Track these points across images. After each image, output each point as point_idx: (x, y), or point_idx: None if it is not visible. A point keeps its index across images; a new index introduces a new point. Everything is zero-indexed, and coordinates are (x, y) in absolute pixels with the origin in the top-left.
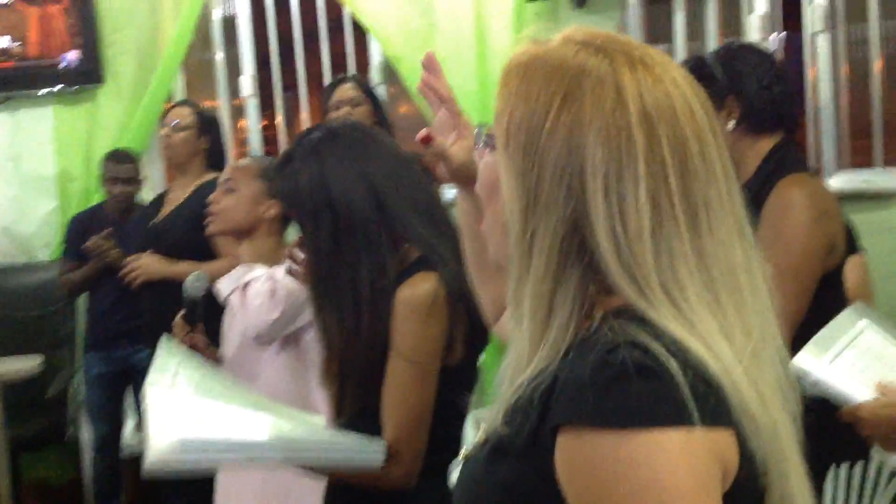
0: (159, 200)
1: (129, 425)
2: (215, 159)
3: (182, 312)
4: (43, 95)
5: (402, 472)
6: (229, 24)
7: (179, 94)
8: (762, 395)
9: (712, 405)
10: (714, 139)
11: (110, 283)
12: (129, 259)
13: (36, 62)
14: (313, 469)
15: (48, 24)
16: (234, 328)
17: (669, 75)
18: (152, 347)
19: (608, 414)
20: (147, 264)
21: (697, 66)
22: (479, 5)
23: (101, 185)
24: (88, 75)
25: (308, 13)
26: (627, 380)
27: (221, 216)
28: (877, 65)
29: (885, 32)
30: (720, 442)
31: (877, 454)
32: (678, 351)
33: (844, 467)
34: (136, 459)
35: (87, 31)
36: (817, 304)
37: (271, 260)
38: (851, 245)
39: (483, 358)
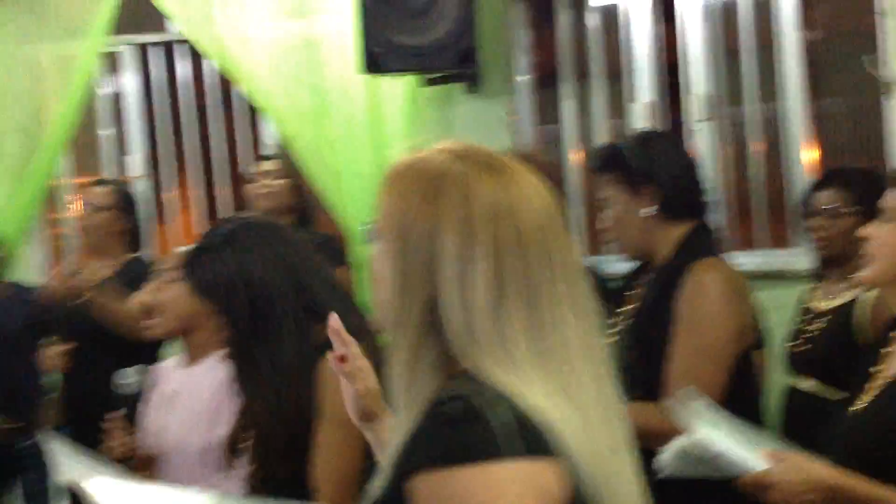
0: (75, 279)
1: None
2: (136, 240)
3: (120, 412)
4: None
5: None
6: (117, 100)
7: (66, 173)
8: (593, 445)
9: (532, 439)
10: (555, 236)
11: None
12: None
13: None
14: None
15: None
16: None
17: (516, 180)
18: (75, 438)
19: (438, 457)
20: None
21: (612, 154)
22: (372, 88)
23: None
24: None
25: (198, 90)
26: (450, 425)
27: (169, 314)
28: (756, 146)
29: (764, 115)
30: (543, 470)
31: None
32: (499, 401)
33: None
34: None
35: None
36: (733, 384)
37: (214, 350)
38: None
39: None
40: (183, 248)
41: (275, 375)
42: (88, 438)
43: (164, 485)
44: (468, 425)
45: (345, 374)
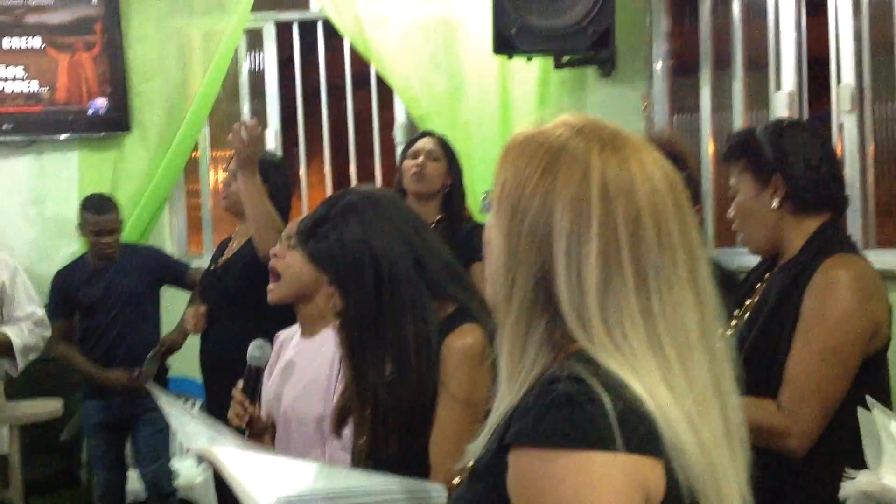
0: (223, 247)
1: (135, 472)
2: (279, 205)
3: (241, 383)
4: (69, 140)
5: None
6: (256, 77)
7: (205, 145)
8: (700, 437)
9: (640, 434)
10: (677, 215)
11: (104, 331)
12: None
13: (63, 108)
14: None
15: (77, 71)
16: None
17: (637, 158)
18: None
19: (542, 435)
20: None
21: (746, 140)
22: (504, 72)
23: (81, 233)
24: (115, 123)
25: (335, 69)
26: (561, 406)
27: (288, 277)
28: None
29: None
30: (644, 468)
31: None
32: (615, 386)
33: None
34: None
35: (115, 80)
36: (858, 388)
37: (328, 322)
38: None
39: None
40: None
41: (397, 351)
42: (219, 399)
43: (274, 454)
44: (578, 408)
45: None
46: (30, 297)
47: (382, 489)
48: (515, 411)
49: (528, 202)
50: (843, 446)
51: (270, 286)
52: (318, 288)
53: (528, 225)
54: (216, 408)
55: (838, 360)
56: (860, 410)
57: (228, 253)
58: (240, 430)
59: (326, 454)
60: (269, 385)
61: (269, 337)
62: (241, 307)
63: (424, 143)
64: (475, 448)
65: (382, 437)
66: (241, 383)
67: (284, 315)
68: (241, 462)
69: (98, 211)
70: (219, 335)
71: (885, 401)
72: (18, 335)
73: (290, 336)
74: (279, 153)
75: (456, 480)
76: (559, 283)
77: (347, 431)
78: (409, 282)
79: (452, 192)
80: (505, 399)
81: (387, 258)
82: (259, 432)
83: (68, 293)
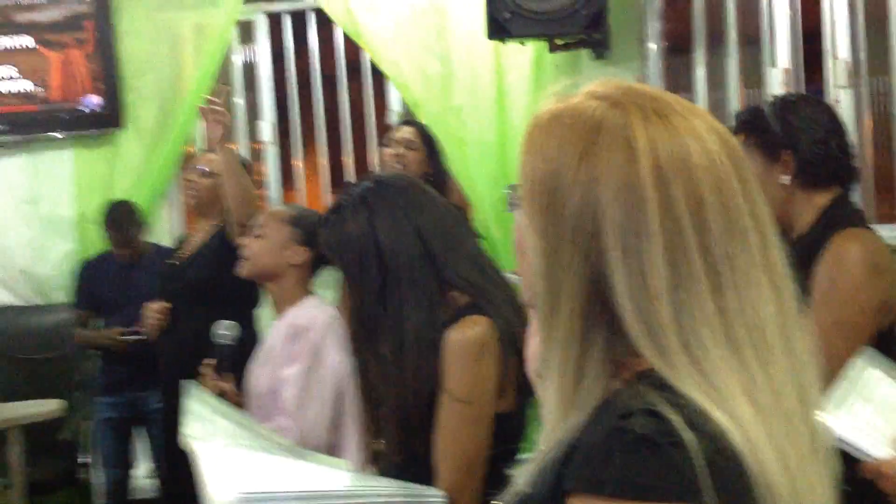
0: (180, 243)
1: (141, 469)
2: None
3: (213, 361)
4: (63, 138)
5: None
6: (249, 69)
7: (199, 138)
8: (787, 463)
9: (731, 482)
10: (742, 189)
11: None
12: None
13: (57, 105)
14: None
15: (70, 69)
16: (263, 371)
17: (688, 125)
18: (165, 392)
19: (613, 484)
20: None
21: (753, 117)
22: (498, 55)
23: (107, 242)
24: (109, 119)
25: (327, 58)
26: (638, 450)
27: (251, 260)
28: None
29: None
30: None
31: None
32: (698, 421)
33: None
34: (146, 502)
35: (108, 77)
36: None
37: (293, 303)
38: None
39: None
40: (275, 207)
41: (395, 345)
42: (177, 394)
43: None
44: (660, 453)
45: None
46: None
47: (372, 492)
48: (578, 448)
49: (566, 195)
50: None
51: (240, 263)
52: (284, 271)
53: (571, 222)
54: (173, 400)
55: (851, 334)
56: (854, 361)
57: (189, 248)
58: None
59: (273, 426)
60: (249, 370)
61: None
62: (204, 301)
63: (402, 133)
64: (523, 476)
65: (388, 438)
66: (209, 361)
67: (246, 310)
68: (220, 459)
69: (117, 227)
70: (180, 331)
71: None
72: None
73: (272, 324)
74: (274, 145)
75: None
76: (618, 289)
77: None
78: (414, 274)
79: (434, 179)
80: (557, 424)
81: (392, 250)
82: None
83: (91, 285)
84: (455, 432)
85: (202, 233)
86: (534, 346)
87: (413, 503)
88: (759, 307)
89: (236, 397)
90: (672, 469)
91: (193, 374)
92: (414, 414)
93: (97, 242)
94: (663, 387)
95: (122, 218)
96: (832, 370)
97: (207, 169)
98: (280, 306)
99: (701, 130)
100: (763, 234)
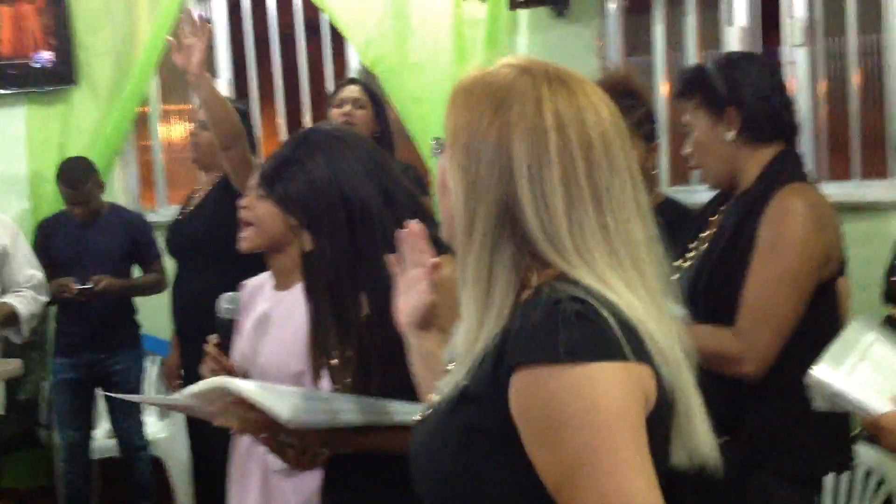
0: (188, 199)
1: (100, 429)
2: None
3: (216, 339)
4: (15, 95)
5: None
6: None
7: (154, 97)
8: (666, 335)
9: (636, 344)
10: (620, 141)
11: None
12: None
13: (7, 62)
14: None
15: (20, 24)
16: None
17: (582, 90)
18: (179, 346)
19: (557, 351)
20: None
21: (697, 76)
22: (458, 12)
23: (62, 200)
24: (62, 76)
25: (285, 16)
26: (571, 324)
27: (260, 226)
28: (854, 78)
29: (863, 47)
30: (643, 374)
31: (863, 462)
32: (605, 302)
33: (831, 476)
34: (107, 463)
35: (60, 32)
36: (813, 313)
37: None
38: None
39: None
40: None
41: (374, 289)
42: (192, 350)
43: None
44: (589, 324)
45: (431, 282)
46: (30, 261)
47: (397, 409)
48: (511, 335)
49: (484, 136)
50: (798, 371)
51: (242, 234)
52: (291, 239)
53: (487, 157)
54: (190, 358)
55: (793, 286)
56: (850, 325)
57: (194, 203)
58: None
59: None
60: (241, 338)
61: (241, 280)
62: (211, 254)
63: (350, 91)
64: (451, 379)
65: (365, 375)
66: (214, 337)
67: (256, 260)
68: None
69: (70, 184)
70: (191, 286)
71: (836, 326)
72: (24, 304)
73: (258, 286)
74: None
75: (419, 415)
76: (526, 209)
77: (325, 383)
78: (380, 217)
79: (382, 136)
80: (477, 328)
81: (357, 195)
82: None
83: (47, 245)
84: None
85: (205, 187)
86: (406, 300)
87: (407, 418)
88: (632, 228)
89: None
90: (602, 336)
91: (203, 331)
92: (398, 350)
93: (52, 201)
94: (572, 282)
95: (77, 174)
96: (775, 322)
97: (206, 121)
98: (286, 278)
99: (591, 95)
100: (633, 178)
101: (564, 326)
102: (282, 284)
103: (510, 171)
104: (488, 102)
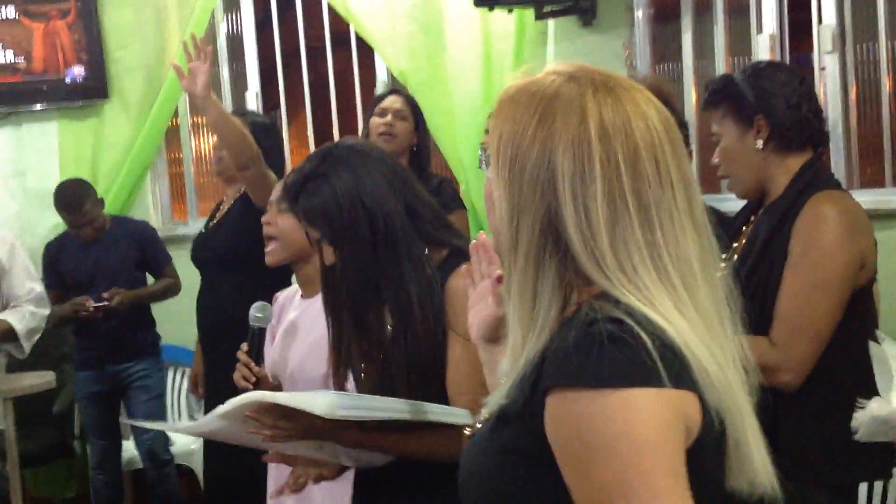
0: (214, 212)
1: (131, 440)
2: (274, 166)
3: (246, 347)
4: (47, 110)
5: None
6: (234, 39)
7: (185, 111)
8: (717, 359)
9: (677, 369)
10: (672, 151)
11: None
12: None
13: (40, 77)
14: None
15: (52, 40)
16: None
17: (630, 97)
18: (205, 362)
19: (589, 376)
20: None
21: (725, 86)
22: (486, 24)
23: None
24: (93, 91)
25: (313, 29)
26: (605, 347)
27: (283, 240)
28: (887, 84)
29: (894, 53)
30: (684, 401)
31: None
32: (646, 324)
33: (866, 485)
34: (139, 473)
35: (91, 47)
36: (848, 321)
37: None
38: None
39: None
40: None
41: (399, 304)
42: (218, 362)
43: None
44: (624, 348)
45: (496, 294)
46: (29, 274)
47: (427, 405)
48: (549, 355)
49: (527, 149)
50: (836, 378)
51: (268, 249)
52: (314, 249)
53: (530, 171)
54: (216, 371)
55: (828, 294)
56: (871, 344)
57: (218, 216)
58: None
59: None
60: (273, 347)
61: (265, 295)
62: (234, 267)
63: (392, 102)
64: (496, 397)
65: (389, 390)
66: (245, 346)
67: (279, 272)
68: (296, 393)
69: (68, 209)
70: (214, 297)
71: (872, 332)
72: (20, 320)
73: (289, 297)
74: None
75: (468, 430)
76: (568, 224)
77: (350, 385)
78: (403, 232)
79: (420, 149)
80: (521, 345)
81: (380, 210)
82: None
83: (57, 268)
84: (473, 370)
85: (229, 200)
86: (477, 313)
87: (456, 416)
88: (683, 244)
89: (269, 386)
90: (637, 361)
91: (227, 342)
92: (425, 364)
93: None
94: (613, 301)
95: (72, 198)
96: (811, 330)
97: None
98: (312, 286)
99: (640, 102)
100: (688, 189)
101: (598, 349)
102: (308, 292)
103: (553, 185)
104: (532, 112)
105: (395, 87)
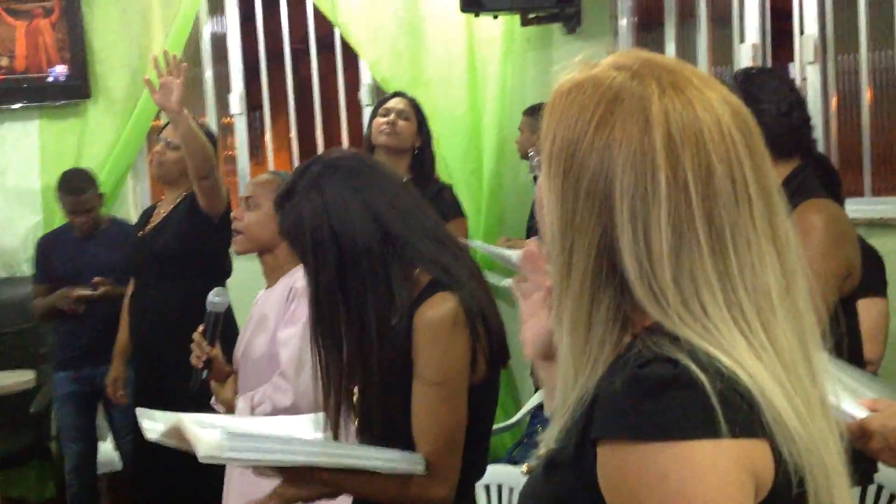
0: (147, 214)
1: (107, 442)
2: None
3: (202, 328)
4: (29, 109)
5: (444, 492)
6: (219, 40)
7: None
8: (797, 408)
9: (743, 416)
10: (751, 160)
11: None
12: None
13: (22, 76)
14: (347, 486)
15: (35, 39)
16: (257, 341)
17: (703, 97)
18: (135, 363)
19: (639, 428)
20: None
21: None
22: (470, 29)
23: (62, 210)
24: (76, 90)
25: (297, 31)
26: (658, 393)
27: (247, 234)
28: (867, 95)
29: (875, 63)
30: (752, 452)
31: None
32: (709, 364)
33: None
34: (115, 476)
35: (74, 47)
36: (834, 328)
37: (287, 271)
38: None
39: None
40: (262, 176)
41: (357, 332)
42: (152, 364)
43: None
44: (676, 395)
45: (550, 308)
46: None
47: (355, 449)
48: (598, 399)
49: (583, 160)
50: None
51: (234, 240)
52: (278, 241)
53: (586, 186)
54: (149, 371)
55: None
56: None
57: (155, 220)
58: (199, 371)
59: (272, 387)
60: (241, 339)
61: (202, 301)
62: (173, 270)
63: (396, 103)
64: (549, 436)
65: (367, 417)
66: (201, 327)
67: (213, 276)
68: (201, 420)
69: (71, 191)
70: (148, 299)
71: (856, 341)
72: None
73: (265, 295)
74: (244, 117)
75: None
76: (624, 251)
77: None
78: (372, 258)
79: (422, 153)
80: (573, 379)
81: (348, 235)
82: (219, 375)
83: (49, 261)
84: (430, 413)
85: (169, 203)
86: (530, 328)
87: (395, 461)
88: (761, 273)
89: (225, 366)
90: (691, 409)
91: (162, 346)
92: (392, 393)
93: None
94: (675, 338)
95: (78, 182)
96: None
97: (174, 141)
98: (273, 276)
99: (714, 103)
100: (769, 203)
101: (649, 396)
102: (270, 282)
103: (610, 205)
104: (589, 116)
105: (398, 91)
